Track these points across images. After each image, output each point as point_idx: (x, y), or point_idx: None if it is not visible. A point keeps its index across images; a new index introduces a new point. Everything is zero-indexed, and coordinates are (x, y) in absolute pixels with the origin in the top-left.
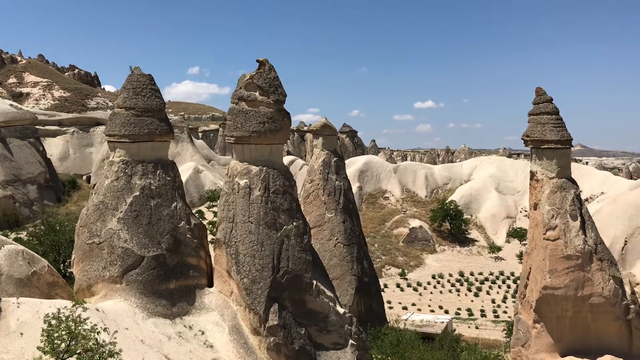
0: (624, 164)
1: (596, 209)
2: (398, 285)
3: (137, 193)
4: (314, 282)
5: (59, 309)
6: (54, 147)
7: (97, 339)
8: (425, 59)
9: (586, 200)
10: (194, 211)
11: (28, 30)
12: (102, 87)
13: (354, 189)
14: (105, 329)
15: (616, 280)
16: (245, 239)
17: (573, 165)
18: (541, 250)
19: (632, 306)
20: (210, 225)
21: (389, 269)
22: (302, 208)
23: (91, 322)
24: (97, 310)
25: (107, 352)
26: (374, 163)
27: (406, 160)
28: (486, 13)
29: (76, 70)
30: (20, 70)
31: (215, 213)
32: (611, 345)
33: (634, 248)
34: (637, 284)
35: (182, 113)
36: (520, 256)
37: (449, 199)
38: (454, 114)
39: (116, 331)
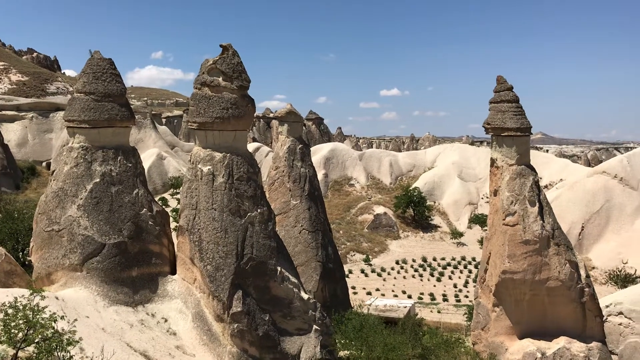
0: (582, 152)
1: (555, 196)
2: (362, 271)
3: (98, 180)
4: (279, 268)
5: (16, 298)
6: (11, 132)
7: (55, 328)
8: (392, 47)
9: (545, 187)
10: (157, 198)
11: None
12: (62, 72)
13: (320, 176)
14: (63, 317)
15: (572, 265)
16: (208, 226)
17: (533, 152)
18: (500, 235)
19: (587, 289)
20: (174, 213)
21: (354, 255)
22: (267, 195)
23: (50, 311)
24: (57, 298)
25: (66, 340)
26: (339, 150)
27: (372, 147)
28: (450, 1)
29: (35, 54)
30: None
31: (178, 200)
32: (566, 327)
33: (590, 233)
34: (593, 267)
35: (145, 99)
36: (481, 242)
37: (413, 186)
38: (419, 102)
39: (76, 319)
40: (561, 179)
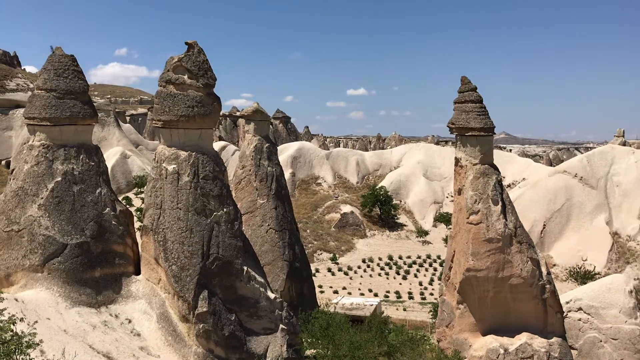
0: (544, 152)
1: (517, 194)
2: (329, 270)
3: (59, 178)
4: (245, 268)
5: None
6: None
7: (14, 330)
8: (358, 46)
9: (508, 185)
10: (121, 198)
11: None
12: (22, 68)
13: (287, 175)
14: (23, 320)
15: (534, 262)
16: (173, 226)
17: (496, 152)
18: (465, 233)
19: (548, 286)
20: (138, 212)
21: (321, 253)
22: (234, 194)
23: (9, 313)
24: (16, 300)
25: (25, 343)
26: (306, 149)
27: (339, 146)
28: (414, 1)
29: None
30: None
31: (143, 199)
32: (528, 323)
33: (551, 231)
34: (554, 265)
35: (109, 96)
36: (446, 240)
37: (379, 185)
38: (385, 102)
39: (36, 321)
40: (524, 178)
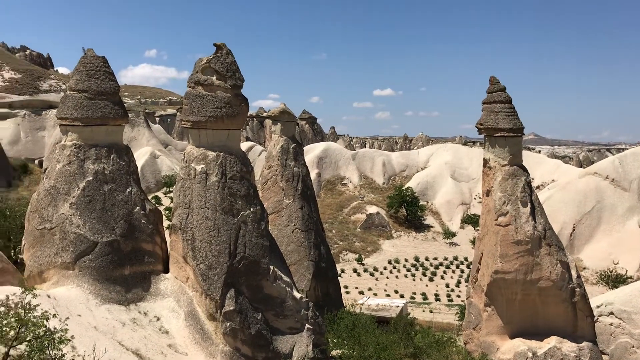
0: (574, 153)
1: (547, 196)
2: (355, 271)
3: (90, 178)
4: (271, 267)
5: (7, 296)
6: (4, 130)
7: (47, 326)
8: (385, 47)
9: (537, 187)
10: (150, 197)
11: None
12: (55, 69)
13: (313, 175)
14: (55, 316)
15: (563, 265)
16: (201, 225)
17: (525, 153)
18: (493, 235)
19: (578, 289)
20: (167, 211)
21: (346, 254)
22: (260, 194)
23: (42, 309)
24: (49, 296)
25: (57, 339)
26: (332, 150)
27: (365, 147)
28: (444, 2)
29: (28, 52)
30: None
31: (172, 199)
32: (557, 327)
33: (581, 233)
34: (584, 268)
35: (139, 97)
36: (473, 242)
37: (406, 186)
38: (412, 102)
39: (67, 318)
40: (553, 180)
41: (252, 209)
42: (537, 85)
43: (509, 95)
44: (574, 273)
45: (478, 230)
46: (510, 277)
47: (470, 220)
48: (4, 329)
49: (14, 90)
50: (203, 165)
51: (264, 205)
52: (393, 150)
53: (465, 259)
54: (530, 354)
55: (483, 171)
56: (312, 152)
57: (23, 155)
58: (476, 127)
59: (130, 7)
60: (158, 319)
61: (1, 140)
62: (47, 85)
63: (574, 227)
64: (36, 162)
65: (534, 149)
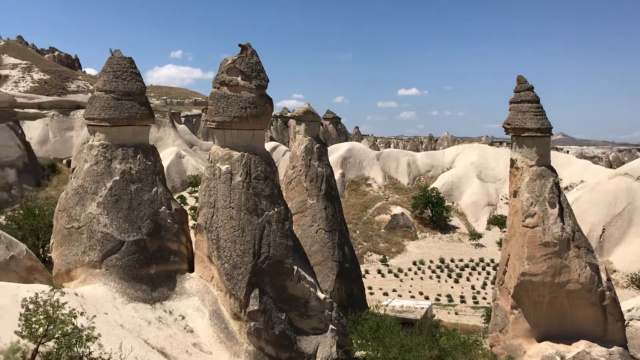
0: (604, 153)
1: (575, 197)
2: (379, 271)
3: (117, 177)
4: (295, 267)
5: (36, 294)
6: (33, 130)
7: (75, 324)
8: (410, 46)
9: (566, 188)
10: (175, 196)
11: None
12: (82, 70)
13: (337, 175)
14: (83, 314)
15: (592, 267)
16: (226, 225)
17: (553, 153)
18: (520, 237)
19: (608, 292)
20: (192, 211)
21: (371, 255)
22: (284, 194)
23: (69, 307)
24: (76, 294)
25: (85, 336)
26: (356, 150)
27: (389, 147)
28: (468, 1)
29: (56, 53)
30: None
31: (197, 198)
32: (586, 331)
33: (611, 235)
34: (614, 271)
35: (165, 97)
36: (500, 243)
37: (431, 186)
38: (437, 102)
39: (95, 316)
40: (582, 181)
41: (276, 209)
42: (565, 84)
43: (536, 95)
44: (603, 276)
45: (505, 231)
46: (538, 280)
47: (497, 221)
48: (33, 326)
49: (43, 91)
50: (228, 165)
51: (288, 206)
52: (418, 151)
53: (492, 261)
54: (558, 358)
55: (510, 172)
56: (336, 152)
57: (51, 155)
58: (503, 127)
59: (156, 8)
60: (183, 318)
61: (30, 140)
62: (75, 86)
63: (603, 229)
64: (64, 161)
65: (562, 149)
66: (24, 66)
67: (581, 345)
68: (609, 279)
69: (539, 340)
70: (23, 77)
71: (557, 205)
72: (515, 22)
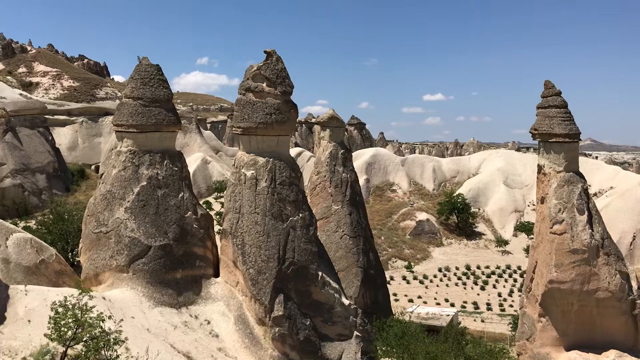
0: (634, 159)
1: (605, 204)
2: (404, 278)
3: (144, 183)
4: (320, 273)
5: (65, 297)
6: (63, 136)
7: (102, 327)
8: (436, 51)
9: (595, 194)
10: (201, 202)
11: (38, 19)
12: (111, 77)
13: (361, 181)
14: (110, 317)
15: (623, 275)
16: (251, 230)
17: (582, 159)
18: (547, 244)
19: (638, 301)
20: (218, 216)
21: (395, 261)
22: (309, 200)
23: (97, 311)
24: (104, 298)
25: (112, 339)
26: (381, 155)
27: (414, 153)
28: (496, 5)
29: (85, 60)
30: (30, 59)
31: (222, 204)
32: (616, 340)
33: None
34: None
35: (191, 104)
36: (527, 250)
37: (457, 192)
38: (463, 107)
39: (122, 319)
40: (611, 187)
41: (301, 215)
42: (594, 88)
43: (564, 100)
44: (634, 284)
45: (532, 238)
46: (566, 287)
47: (524, 228)
48: (62, 329)
49: (72, 98)
50: (253, 171)
51: (313, 211)
52: (443, 156)
53: (519, 268)
54: None
55: (538, 177)
56: (360, 157)
57: (80, 161)
58: (530, 132)
59: (182, 16)
60: (208, 323)
61: (60, 146)
62: (104, 92)
63: (634, 236)
64: (93, 167)
65: (590, 155)
66: (54, 74)
67: (611, 355)
68: (639, 288)
69: (568, 349)
70: (53, 84)
71: (586, 212)
72: (542, 25)
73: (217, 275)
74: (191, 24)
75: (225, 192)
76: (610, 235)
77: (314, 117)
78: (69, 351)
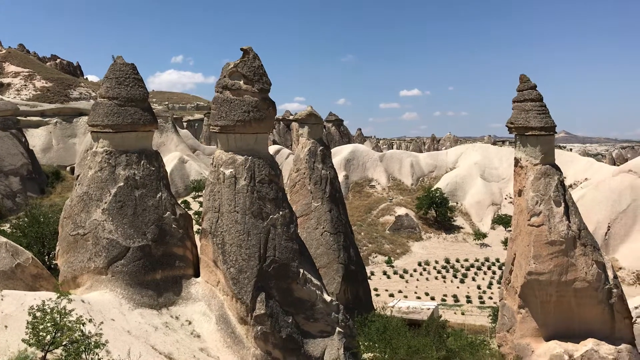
0: (607, 151)
1: (580, 195)
2: (384, 273)
3: (122, 184)
4: (301, 270)
5: (43, 301)
6: (36, 138)
7: (82, 331)
8: (412, 47)
9: (570, 186)
10: (179, 201)
11: (7, 19)
12: (84, 77)
13: (341, 177)
14: (90, 320)
15: (599, 265)
16: (231, 229)
17: (557, 151)
18: (525, 236)
19: (615, 290)
20: (196, 216)
21: (376, 256)
22: (289, 197)
23: (77, 314)
24: (83, 301)
25: (93, 343)
26: (360, 152)
27: (392, 148)
28: (470, 1)
29: (58, 60)
30: (0, 60)
31: (201, 203)
32: (594, 329)
33: (616, 233)
34: (620, 268)
35: (166, 102)
36: (505, 242)
37: (435, 187)
38: (440, 102)
39: (102, 322)
40: (586, 178)
41: (281, 213)
42: (567, 82)
43: (539, 93)
44: (610, 274)
45: (509, 230)
46: (545, 279)
47: (501, 220)
48: (41, 333)
49: (46, 99)
50: (232, 170)
51: (293, 209)
52: (421, 151)
53: (497, 260)
54: (566, 357)
55: (515, 171)
56: (339, 154)
57: (55, 163)
58: (507, 126)
59: (156, 14)
60: (190, 323)
61: (34, 148)
62: (77, 93)
63: (608, 226)
64: (68, 168)
65: (565, 147)
66: (26, 74)
67: (589, 344)
68: (615, 277)
69: (547, 340)
70: (25, 85)
71: (563, 204)
72: (517, 20)
73: (197, 275)
74: (166, 21)
75: (203, 191)
76: (586, 226)
77: (291, 114)
78: (48, 356)
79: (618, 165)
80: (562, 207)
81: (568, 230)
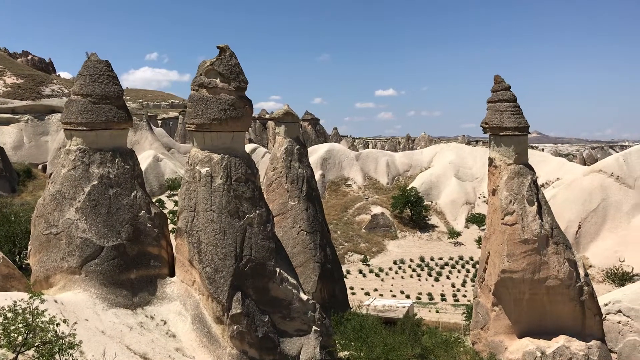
0: (578, 151)
1: (552, 194)
2: (360, 271)
3: (95, 182)
4: (278, 269)
5: (15, 302)
6: (7, 135)
7: (56, 331)
8: (387, 47)
9: (542, 186)
10: (154, 200)
11: None
12: (57, 74)
13: (317, 176)
14: (64, 321)
15: (571, 263)
16: (207, 228)
17: (530, 152)
18: (499, 234)
19: (586, 288)
20: (171, 215)
21: (352, 255)
22: (265, 196)
23: (49, 314)
24: (56, 301)
25: (66, 344)
26: (336, 151)
27: (368, 147)
28: (443, 1)
29: (29, 56)
30: None
31: (175, 202)
32: (566, 326)
33: (587, 232)
34: (590, 266)
35: (141, 100)
36: (479, 241)
37: (410, 186)
38: (414, 102)
39: (76, 322)
40: (558, 178)
41: (257, 211)
42: (539, 83)
43: (513, 94)
44: (581, 271)
45: (483, 229)
46: (518, 277)
47: (475, 219)
48: (12, 334)
49: (17, 96)
50: (208, 168)
51: (269, 207)
52: (396, 151)
53: (471, 259)
54: (538, 353)
55: (489, 170)
56: (315, 153)
57: (26, 161)
58: (481, 126)
59: (130, 10)
60: (165, 323)
61: (4, 145)
62: (50, 90)
63: (579, 225)
64: (40, 167)
65: (537, 147)
66: None
67: (561, 340)
68: (586, 274)
69: (520, 337)
70: None
71: (536, 203)
72: (491, 21)
73: (172, 274)
74: (139, 17)
75: (179, 190)
76: (558, 225)
77: (267, 113)
78: (20, 357)
79: (589, 165)
80: (535, 206)
81: (541, 229)
